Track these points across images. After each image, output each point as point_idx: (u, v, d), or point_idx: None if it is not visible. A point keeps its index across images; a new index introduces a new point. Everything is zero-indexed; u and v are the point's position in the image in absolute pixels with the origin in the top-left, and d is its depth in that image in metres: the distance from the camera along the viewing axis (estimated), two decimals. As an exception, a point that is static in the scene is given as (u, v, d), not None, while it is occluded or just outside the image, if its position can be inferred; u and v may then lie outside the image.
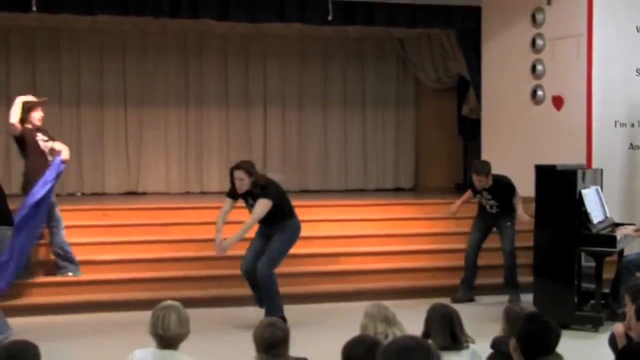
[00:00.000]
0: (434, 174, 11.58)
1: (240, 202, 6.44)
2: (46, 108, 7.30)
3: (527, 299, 6.70)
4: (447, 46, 10.85)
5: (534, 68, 8.98)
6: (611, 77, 8.29)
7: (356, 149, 11.68)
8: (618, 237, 6.45)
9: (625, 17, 8.33)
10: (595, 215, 6.57)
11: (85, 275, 7.29)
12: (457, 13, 9.74)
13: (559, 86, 8.73)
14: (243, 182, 6.20)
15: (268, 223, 6.35)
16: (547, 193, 6.55)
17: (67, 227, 7.23)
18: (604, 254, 6.43)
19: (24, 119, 6.95)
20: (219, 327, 6.41)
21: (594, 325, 6.31)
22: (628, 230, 6.83)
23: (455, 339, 3.62)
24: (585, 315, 6.44)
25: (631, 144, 8.35)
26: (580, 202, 6.37)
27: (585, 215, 6.39)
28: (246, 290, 6.51)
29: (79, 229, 7.66)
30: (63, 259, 7.18)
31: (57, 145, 7.07)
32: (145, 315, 3.77)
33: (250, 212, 6.34)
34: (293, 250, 7.45)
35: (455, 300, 7.05)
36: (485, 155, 9.36)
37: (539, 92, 8.95)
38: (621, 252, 6.86)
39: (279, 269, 6.52)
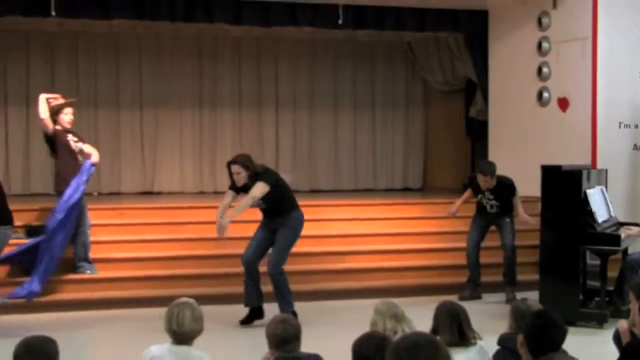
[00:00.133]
0: (442, 174, 11.56)
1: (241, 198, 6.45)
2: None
3: (533, 297, 6.75)
4: (455, 49, 10.85)
5: (540, 70, 9.01)
6: (616, 79, 8.32)
7: (366, 149, 11.72)
8: (622, 236, 6.44)
9: (629, 21, 8.37)
10: (600, 214, 6.58)
11: (102, 272, 7.35)
12: (465, 17, 9.75)
13: (564, 88, 8.75)
14: (240, 176, 6.20)
15: (271, 215, 6.35)
16: (552, 193, 6.56)
17: (84, 225, 7.30)
18: (608, 252, 6.46)
19: (54, 121, 7.02)
20: (232, 323, 6.42)
21: (599, 322, 6.35)
22: (633, 231, 6.86)
23: (463, 335, 3.62)
24: (590, 313, 6.48)
25: (635, 145, 8.39)
26: (585, 201, 6.41)
27: (590, 214, 6.41)
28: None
29: (96, 227, 7.64)
30: (81, 259, 7.27)
31: (86, 147, 7.19)
32: (161, 311, 3.81)
33: (255, 207, 6.35)
34: (305, 248, 7.58)
35: (462, 298, 7.09)
36: (492, 156, 9.38)
37: (545, 94, 8.98)
38: (625, 250, 6.86)
39: (291, 267, 6.55)
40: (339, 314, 6.93)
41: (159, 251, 7.82)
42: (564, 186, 6.52)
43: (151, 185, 11.05)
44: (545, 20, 8.96)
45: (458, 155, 11.46)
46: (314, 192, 11.19)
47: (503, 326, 3.98)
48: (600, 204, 6.75)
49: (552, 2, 8.82)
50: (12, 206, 8.02)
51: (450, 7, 9.61)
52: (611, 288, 6.68)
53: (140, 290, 7.25)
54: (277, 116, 11.46)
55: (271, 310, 5.96)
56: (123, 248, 7.81)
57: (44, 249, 6.76)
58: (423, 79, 11.79)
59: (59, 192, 7.05)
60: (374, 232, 8.50)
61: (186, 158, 11.12)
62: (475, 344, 3.65)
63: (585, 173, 6.58)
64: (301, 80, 11.50)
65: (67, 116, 7.13)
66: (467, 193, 7.65)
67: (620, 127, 8.35)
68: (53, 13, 7.89)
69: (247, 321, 6.41)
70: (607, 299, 6.56)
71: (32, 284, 6.67)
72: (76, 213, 6.97)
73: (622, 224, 7.04)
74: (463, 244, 7.63)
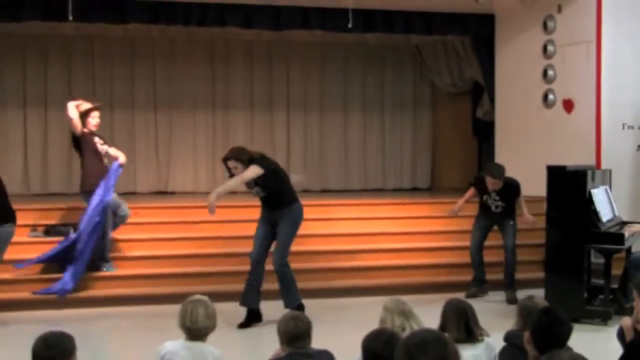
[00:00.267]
0: (450, 175, 11.59)
1: (242, 188, 6.57)
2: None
3: (538, 294, 6.82)
4: (462, 52, 10.91)
5: (545, 73, 9.09)
6: (619, 82, 8.38)
7: (375, 150, 11.79)
8: (626, 235, 6.46)
9: (633, 25, 8.43)
10: (604, 213, 6.61)
11: (118, 270, 7.46)
12: (472, 20, 9.81)
13: (569, 90, 8.81)
14: (238, 170, 6.20)
15: (271, 206, 6.35)
16: (558, 192, 6.60)
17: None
18: (612, 251, 6.51)
19: (82, 124, 7.20)
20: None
21: (603, 319, 6.39)
22: (636, 227, 6.85)
23: (470, 332, 3.66)
24: (594, 310, 6.52)
25: (638, 146, 8.44)
26: (589, 201, 6.46)
27: (595, 214, 6.45)
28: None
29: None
30: (100, 258, 7.37)
31: (112, 150, 7.39)
32: (175, 308, 3.86)
33: (254, 196, 6.42)
34: (315, 246, 7.68)
35: (469, 295, 7.17)
36: (498, 157, 9.47)
37: (550, 96, 9.05)
38: (629, 249, 6.89)
39: (301, 265, 6.63)
40: (348, 311, 6.99)
41: (173, 249, 7.92)
42: (569, 186, 6.56)
43: (165, 185, 11.15)
44: (550, 24, 9.04)
45: (465, 156, 11.49)
46: (325, 192, 11.29)
47: (509, 323, 4.04)
48: (605, 203, 6.78)
49: (558, 6, 8.89)
50: (31, 206, 8.29)
51: (457, 11, 9.67)
52: (615, 286, 6.74)
53: (155, 288, 7.34)
54: (288, 118, 11.54)
55: (279, 308, 5.99)
56: (138, 246, 7.92)
57: (81, 249, 6.94)
58: (431, 81, 11.85)
59: (85, 192, 7.24)
60: (382, 231, 8.58)
61: (199, 159, 11.20)
62: (482, 340, 3.70)
63: (589, 173, 6.62)
64: (312, 82, 11.58)
65: (94, 119, 7.32)
66: (470, 191, 7.67)
67: (624, 128, 8.41)
68: (70, 18, 7.95)
69: (245, 325, 6.35)
70: (611, 296, 6.62)
71: (66, 281, 6.88)
72: (105, 215, 7.15)
73: (625, 223, 7.03)
74: (469, 243, 7.68)
